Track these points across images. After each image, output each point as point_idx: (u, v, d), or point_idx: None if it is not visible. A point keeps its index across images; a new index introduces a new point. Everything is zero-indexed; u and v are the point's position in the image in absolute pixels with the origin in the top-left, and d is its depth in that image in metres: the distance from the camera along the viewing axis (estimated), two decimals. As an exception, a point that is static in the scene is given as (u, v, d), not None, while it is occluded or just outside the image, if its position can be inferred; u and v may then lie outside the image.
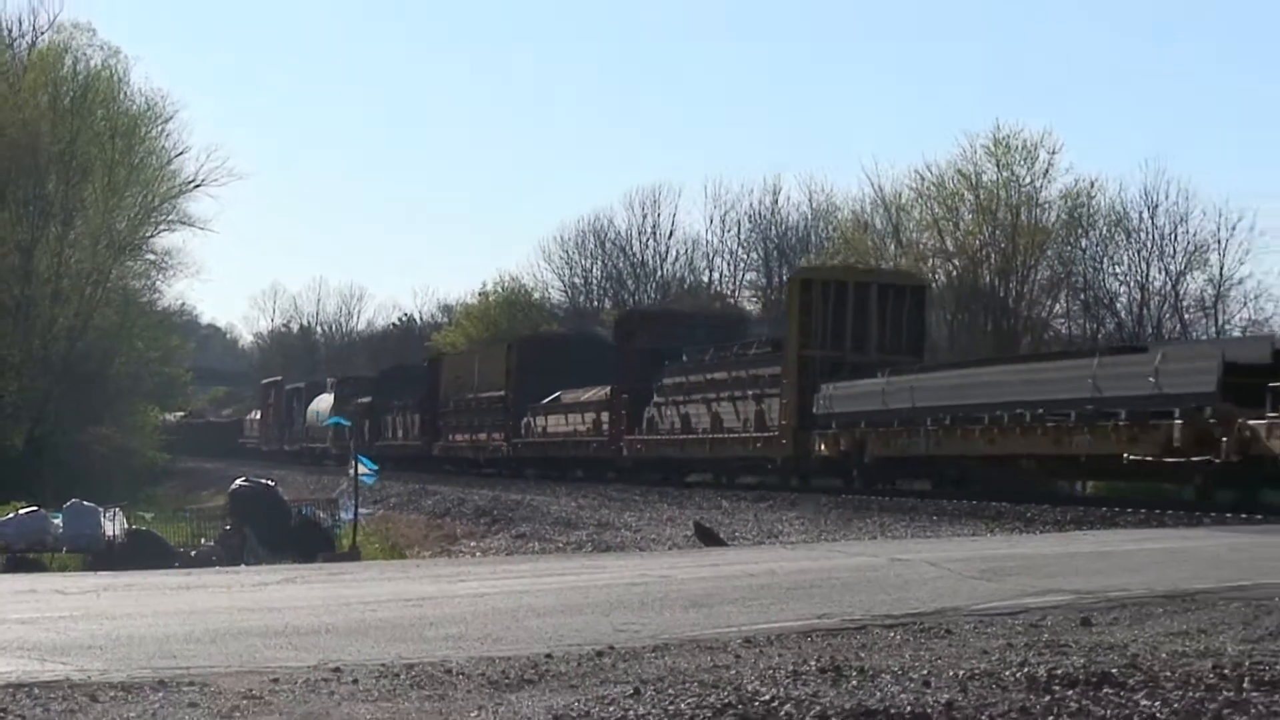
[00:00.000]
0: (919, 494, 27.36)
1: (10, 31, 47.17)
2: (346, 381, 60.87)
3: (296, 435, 64.87)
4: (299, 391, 67.10)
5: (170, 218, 51.64)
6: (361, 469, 26.40)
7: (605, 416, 38.77)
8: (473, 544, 26.18)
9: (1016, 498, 23.73)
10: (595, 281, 70.89)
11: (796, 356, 30.64)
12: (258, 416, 75.69)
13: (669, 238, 68.90)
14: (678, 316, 44.64)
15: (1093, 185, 50.55)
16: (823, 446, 29.21)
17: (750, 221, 67.16)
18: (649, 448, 36.96)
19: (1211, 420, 19.58)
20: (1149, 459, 21.02)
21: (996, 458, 25.31)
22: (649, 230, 68.77)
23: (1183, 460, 20.21)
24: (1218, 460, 19.46)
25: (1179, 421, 20.08)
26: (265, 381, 76.11)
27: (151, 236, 51.85)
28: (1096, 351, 26.75)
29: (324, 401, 58.61)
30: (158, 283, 56.23)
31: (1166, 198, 49.26)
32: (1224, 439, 19.20)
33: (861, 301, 30.84)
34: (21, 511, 24.17)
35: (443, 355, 55.72)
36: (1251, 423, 18.84)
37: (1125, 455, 21.31)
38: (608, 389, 38.79)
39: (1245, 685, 5.88)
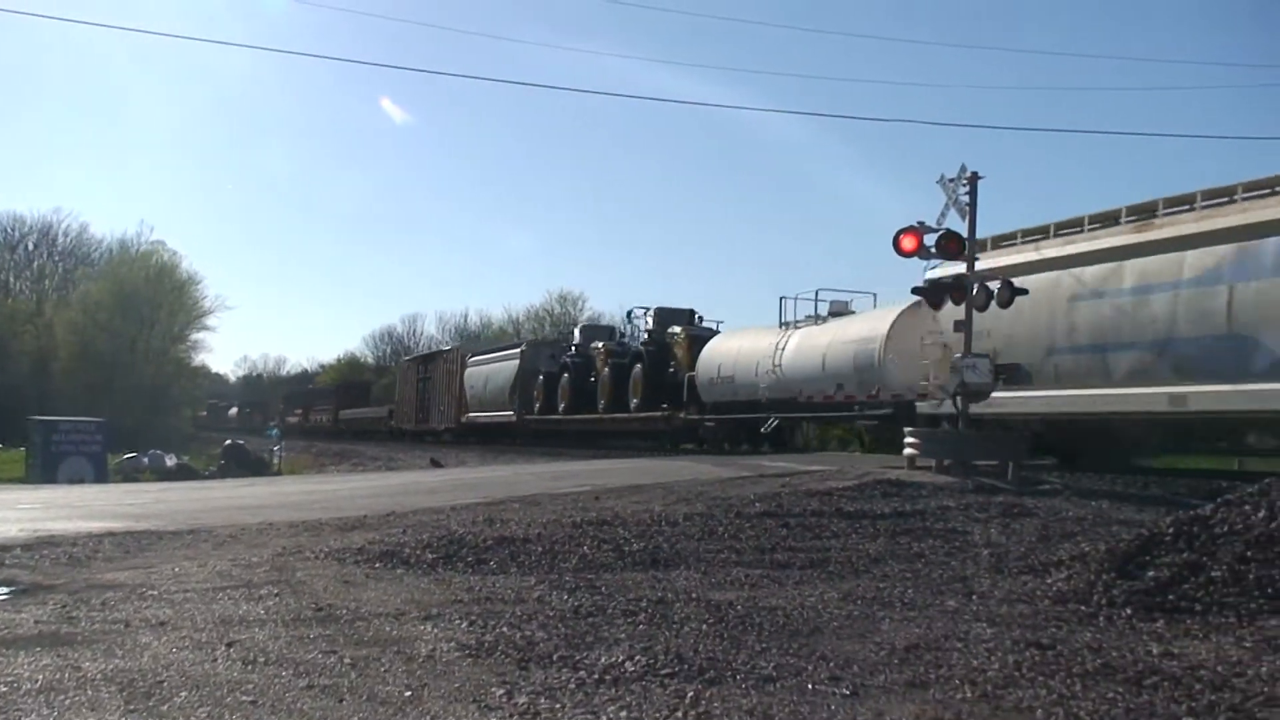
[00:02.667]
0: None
1: (130, 243, 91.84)
2: (290, 396, 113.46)
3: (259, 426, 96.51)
4: (258, 403, 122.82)
5: (197, 325, 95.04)
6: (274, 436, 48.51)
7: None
8: (332, 469, 43.56)
9: (589, 442, 39.92)
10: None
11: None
12: (235, 412, 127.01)
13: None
14: None
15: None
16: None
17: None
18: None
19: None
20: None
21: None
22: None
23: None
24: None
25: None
26: (238, 405, 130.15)
27: (189, 333, 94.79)
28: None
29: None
30: (191, 353, 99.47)
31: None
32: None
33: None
34: (127, 456, 44.05)
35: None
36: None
37: None
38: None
39: (663, 524, 12.09)
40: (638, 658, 6.20)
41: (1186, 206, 18.84)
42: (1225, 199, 18.25)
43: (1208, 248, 18.01)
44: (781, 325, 32.53)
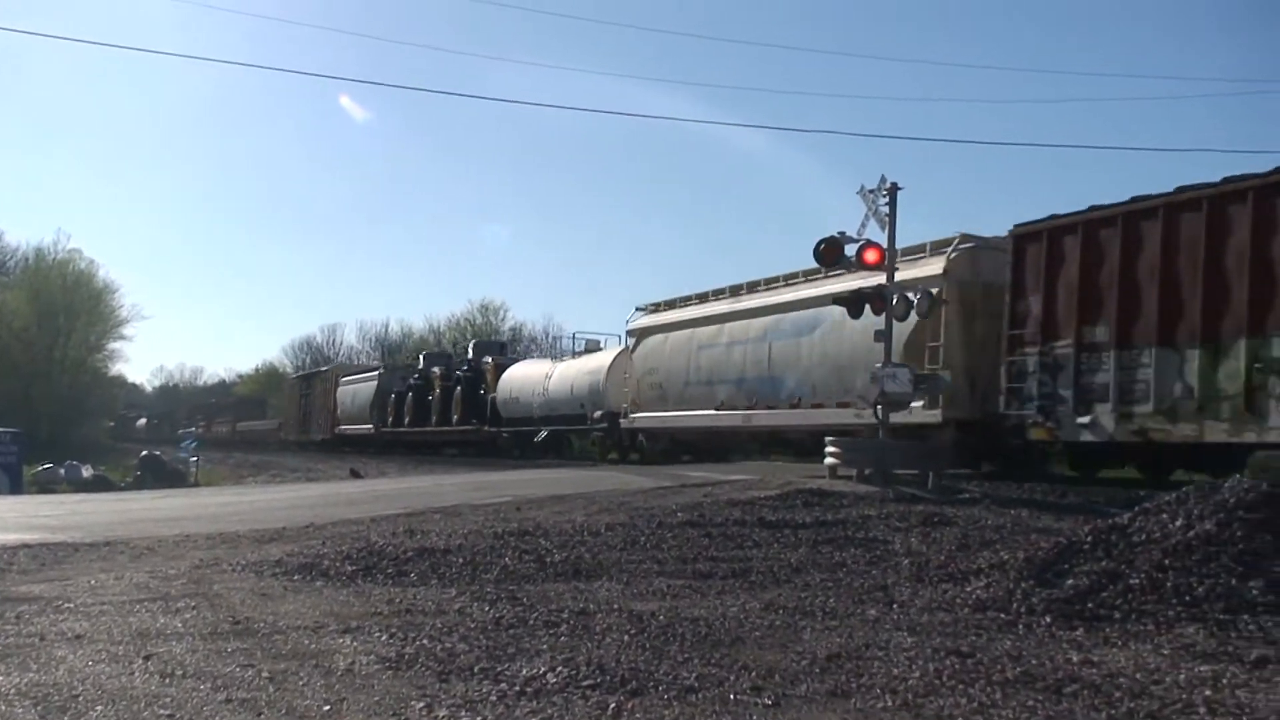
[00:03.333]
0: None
1: (47, 251, 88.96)
2: (193, 409, 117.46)
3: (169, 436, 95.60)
4: (166, 415, 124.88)
5: (114, 335, 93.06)
6: (191, 447, 48.03)
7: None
8: (250, 480, 41.93)
9: (428, 450, 45.96)
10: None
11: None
12: (144, 423, 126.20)
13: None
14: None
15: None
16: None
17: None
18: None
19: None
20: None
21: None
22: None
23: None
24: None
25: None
26: (146, 416, 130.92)
27: (106, 343, 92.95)
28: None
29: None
30: (108, 363, 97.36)
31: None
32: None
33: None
34: (43, 467, 42.94)
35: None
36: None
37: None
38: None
39: (585, 534, 12.35)
40: (559, 669, 6.16)
41: (764, 287, 28.47)
42: (781, 283, 27.92)
43: (761, 318, 27.46)
44: (552, 359, 43.79)
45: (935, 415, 20.89)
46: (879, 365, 18.91)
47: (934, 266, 21.66)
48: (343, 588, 9.40)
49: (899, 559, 10.63)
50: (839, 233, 18.66)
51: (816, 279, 25.46)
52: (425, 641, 7.00)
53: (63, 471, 42.94)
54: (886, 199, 18.80)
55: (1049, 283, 19.47)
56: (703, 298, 31.48)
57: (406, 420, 52.47)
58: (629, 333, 33.80)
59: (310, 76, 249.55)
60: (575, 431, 38.68)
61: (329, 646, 6.93)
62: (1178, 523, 8.34)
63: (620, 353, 35.70)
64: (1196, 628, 7.09)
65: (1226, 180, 17.18)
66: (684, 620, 7.61)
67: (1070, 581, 7.99)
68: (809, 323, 25.50)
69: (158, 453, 51.13)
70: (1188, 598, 7.47)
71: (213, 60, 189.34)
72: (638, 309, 34.07)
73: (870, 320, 19.84)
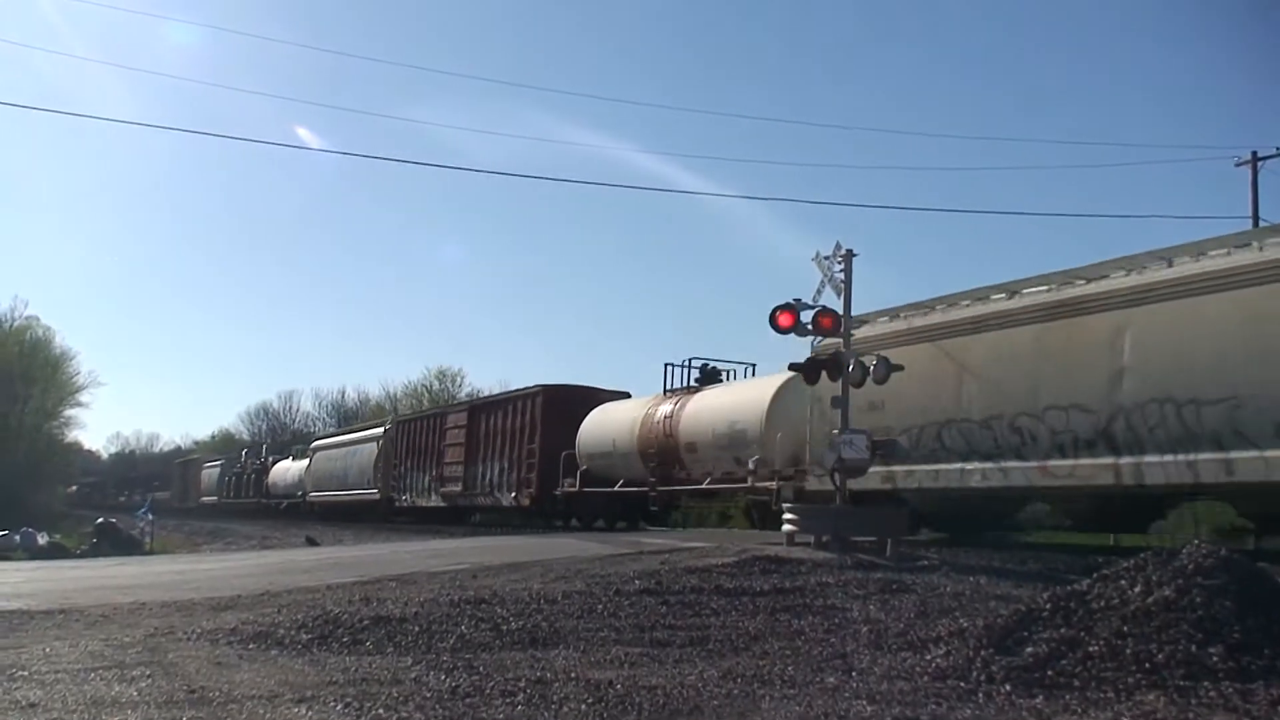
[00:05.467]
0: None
1: (4, 318, 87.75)
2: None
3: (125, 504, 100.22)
4: (129, 479, 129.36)
5: (70, 402, 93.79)
6: (148, 515, 47.76)
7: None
8: (205, 547, 41.72)
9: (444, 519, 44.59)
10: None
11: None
12: (74, 490, 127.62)
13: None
14: None
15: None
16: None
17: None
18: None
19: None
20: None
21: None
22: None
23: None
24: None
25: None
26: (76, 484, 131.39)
27: (63, 409, 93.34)
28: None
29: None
30: (64, 430, 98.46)
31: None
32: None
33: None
34: None
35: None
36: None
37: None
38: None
39: (542, 602, 11.93)
40: (517, 739, 6.10)
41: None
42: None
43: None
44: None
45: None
46: (835, 431, 18.93)
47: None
48: (298, 656, 9.29)
49: (858, 626, 10.60)
50: (794, 299, 18.72)
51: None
52: (381, 711, 6.93)
53: (18, 538, 42.34)
54: (842, 266, 18.89)
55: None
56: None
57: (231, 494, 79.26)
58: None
59: (259, 145, 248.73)
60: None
61: (284, 716, 6.86)
62: (1137, 589, 8.34)
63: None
64: (1156, 695, 7.08)
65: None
66: (641, 689, 7.55)
67: (1030, 649, 7.98)
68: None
69: (114, 520, 50.63)
70: (1147, 664, 7.47)
71: (166, 128, 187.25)
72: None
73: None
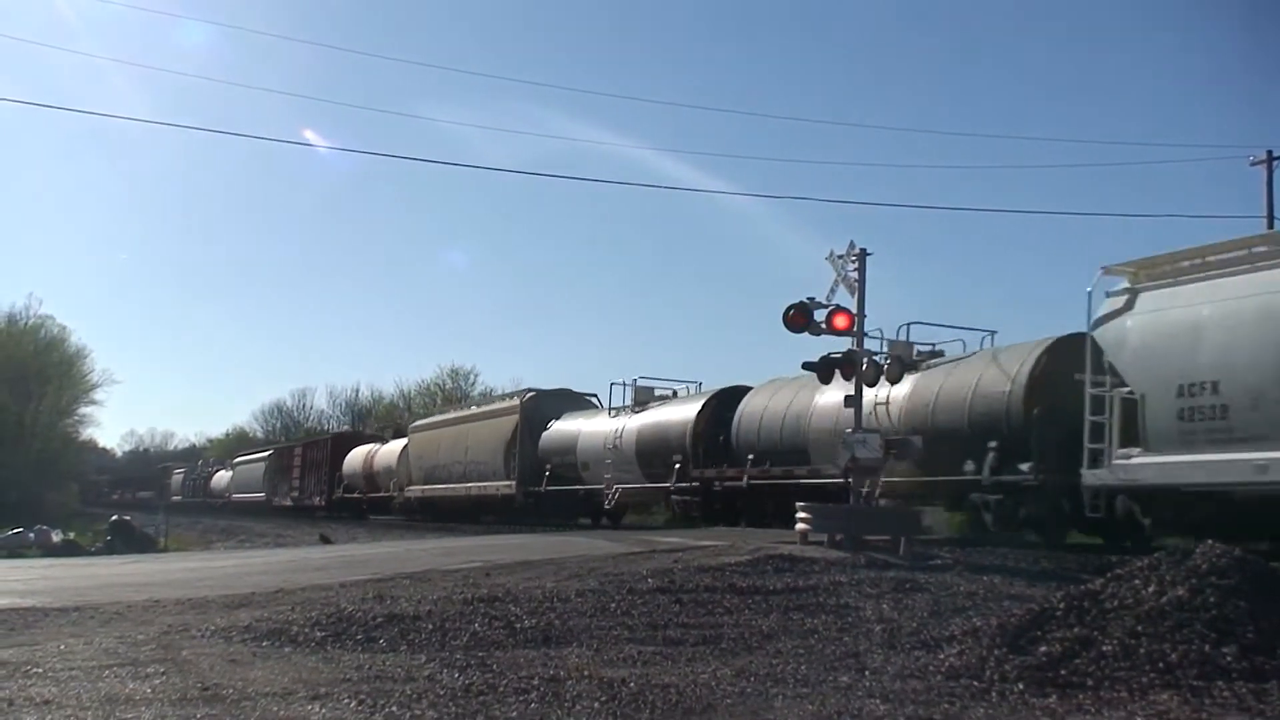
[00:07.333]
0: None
1: (19, 315, 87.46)
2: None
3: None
4: (145, 478, 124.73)
5: (85, 399, 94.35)
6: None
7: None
8: (219, 545, 42.17)
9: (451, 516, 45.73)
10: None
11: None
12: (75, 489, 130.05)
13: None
14: None
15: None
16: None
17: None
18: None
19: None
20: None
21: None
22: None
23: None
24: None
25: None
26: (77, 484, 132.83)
27: (77, 407, 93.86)
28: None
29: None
30: (78, 428, 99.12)
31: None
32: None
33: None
34: (12, 531, 42.13)
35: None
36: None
37: None
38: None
39: (555, 601, 11.89)
40: (529, 737, 6.09)
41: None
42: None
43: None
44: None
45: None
46: (849, 431, 18.91)
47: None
48: (311, 654, 9.30)
49: (871, 625, 10.58)
50: (808, 298, 18.69)
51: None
52: (394, 709, 6.93)
53: (32, 536, 42.52)
54: (855, 264, 18.85)
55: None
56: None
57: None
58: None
59: (273, 143, 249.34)
60: None
61: (297, 713, 6.85)
62: (1150, 589, 8.33)
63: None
64: (1170, 694, 7.07)
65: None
66: (655, 687, 7.54)
67: (1043, 648, 7.97)
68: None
69: (127, 517, 50.72)
70: (1161, 664, 7.45)
71: (180, 126, 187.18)
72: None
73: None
